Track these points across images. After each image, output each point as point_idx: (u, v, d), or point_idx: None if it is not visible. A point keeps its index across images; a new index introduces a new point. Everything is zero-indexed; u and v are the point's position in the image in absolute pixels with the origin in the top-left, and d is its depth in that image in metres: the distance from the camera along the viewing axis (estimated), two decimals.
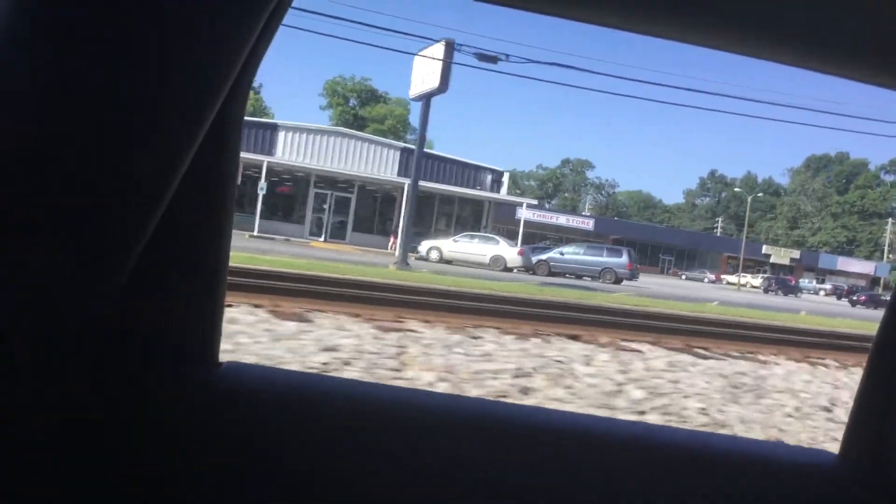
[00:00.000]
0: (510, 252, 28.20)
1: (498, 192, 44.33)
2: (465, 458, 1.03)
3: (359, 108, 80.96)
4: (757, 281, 58.74)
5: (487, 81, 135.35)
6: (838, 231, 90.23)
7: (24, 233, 0.79)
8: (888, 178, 69.99)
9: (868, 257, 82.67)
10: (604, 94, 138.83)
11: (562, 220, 62.18)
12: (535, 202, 55.78)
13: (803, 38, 0.86)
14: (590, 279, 28.15)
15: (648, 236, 68.11)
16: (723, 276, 61.92)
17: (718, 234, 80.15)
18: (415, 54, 24.25)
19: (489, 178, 44.34)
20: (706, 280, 60.75)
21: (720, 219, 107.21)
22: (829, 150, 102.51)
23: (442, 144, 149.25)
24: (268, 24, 0.90)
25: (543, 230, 59.48)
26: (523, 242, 58.70)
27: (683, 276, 61.93)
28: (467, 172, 43.73)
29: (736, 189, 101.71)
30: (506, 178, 45.76)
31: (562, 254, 30.52)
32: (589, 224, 62.77)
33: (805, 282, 64.72)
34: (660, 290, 27.22)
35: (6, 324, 0.80)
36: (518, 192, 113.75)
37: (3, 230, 0.77)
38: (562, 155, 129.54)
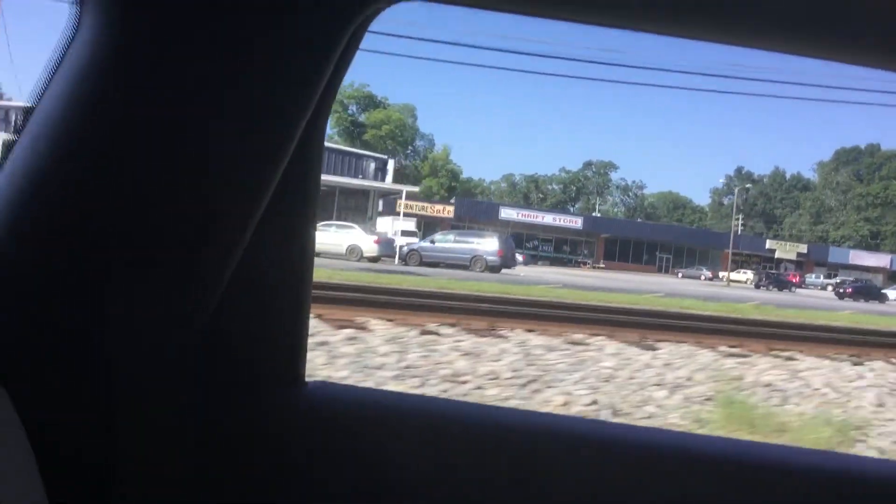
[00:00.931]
0: (367, 241, 27.41)
1: (383, 180, 43.45)
2: (549, 471, 1.04)
3: (358, 115, 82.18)
4: (745, 276, 57.19)
5: (511, 86, 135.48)
6: (861, 224, 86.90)
7: (129, 266, 0.85)
8: None
9: (894, 251, 79.42)
10: (627, 90, 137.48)
11: (548, 218, 61.42)
12: (415, 189, 53.01)
13: (809, 27, 0.85)
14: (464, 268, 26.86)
15: (646, 234, 66.89)
16: (722, 274, 60.38)
17: (718, 231, 77.89)
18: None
19: (372, 166, 43.96)
20: (703, 277, 59.35)
21: (740, 217, 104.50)
22: (859, 143, 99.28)
23: (458, 154, 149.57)
24: (348, 46, 0.96)
25: (531, 230, 59.13)
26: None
27: (680, 275, 60.63)
28: (348, 161, 43.62)
29: (748, 186, 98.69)
30: (390, 166, 45.02)
31: (432, 242, 29.02)
32: (577, 223, 61.96)
33: (813, 277, 62.60)
34: (596, 281, 26.44)
35: (111, 349, 0.86)
36: (541, 196, 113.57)
37: (109, 265, 0.84)
38: (584, 157, 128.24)
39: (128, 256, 0.85)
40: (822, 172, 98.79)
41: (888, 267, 68.87)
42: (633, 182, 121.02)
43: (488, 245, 28.10)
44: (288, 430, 1.06)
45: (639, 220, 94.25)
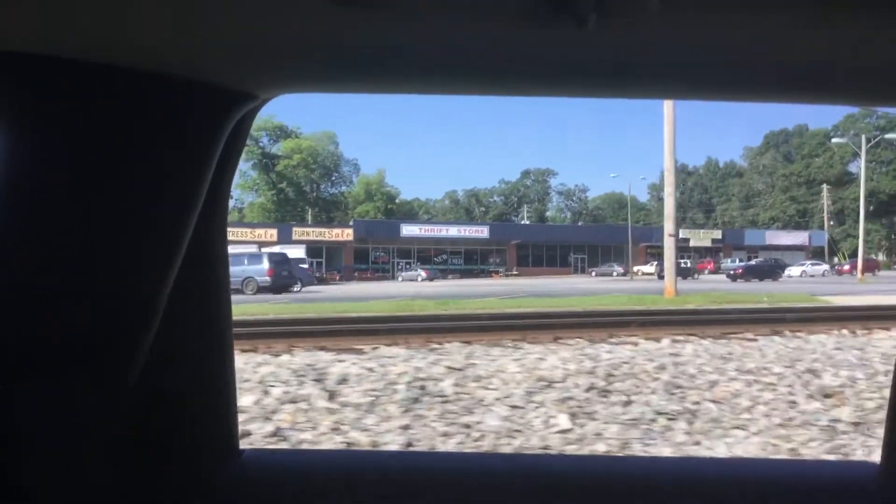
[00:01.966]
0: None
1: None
2: None
3: (270, 147, 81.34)
4: (652, 268, 56.78)
5: (444, 104, 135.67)
6: (787, 204, 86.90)
7: (40, 361, 0.90)
8: (839, 142, 66.57)
9: (822, 227, 79.48)
10: (559, 100, 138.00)
11: (453, 231, 60.78)
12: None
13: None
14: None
15: (557, 237, 66.32)
16: (637, 268, 59.93)
17: (636, 225, 77.63)
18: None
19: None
20: (615, 274, 58.90)
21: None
22: (787, 125, 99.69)
23: (398, 176, 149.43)
24: (234, 136, 1.07)
25: (438, 244, 58.39)
26: (420, 261, 57.77)
27: (593, 273, 60.15)
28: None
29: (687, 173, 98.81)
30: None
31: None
32: (484, 232, 61.32)
33: (728, 261, 62.29)
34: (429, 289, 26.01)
35: (29, 420, 0.89)
36: (483, 209, 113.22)
37: (26, 331, 0.90)
38: (523, 167, 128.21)
39: (49, 345, 0.92)
40: (749, 157, 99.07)
41: (807, 244, 68.79)
42: (576, 186, 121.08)
43: (259, 266, 27.45)
44: (225, 501, 1.06)
45: (580, 223, 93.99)
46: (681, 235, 67.54)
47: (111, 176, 0.94)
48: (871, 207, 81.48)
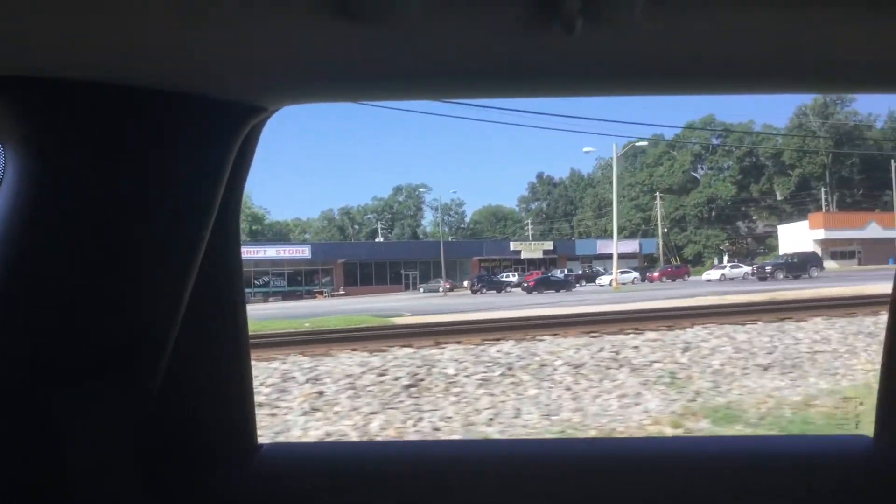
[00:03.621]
0: None
1: None
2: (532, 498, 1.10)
3: None
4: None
5: (321, 121, 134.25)
6: (633, 213, 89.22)
7: (71, 375, 0.96)
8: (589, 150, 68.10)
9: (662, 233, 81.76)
10: (429, 116, 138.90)
11: (272, 252, 59.33)
12: None
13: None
14: None
15: (383, 254, 65.76)
16: (466, 282, 59.79)
17: (460, 241, 78.08)
18: None
19: None
20: (441, 290, 58.69)
21: (529, 221, 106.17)
22: (644, 135, 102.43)
23: (267, 197, 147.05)
24: (244, 147, 1.11)
25: (258, 266, 56.81)
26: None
27: (421, 290, 59.75)
28: None
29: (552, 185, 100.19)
30: None
31: None
32: (305, 252, 60.12)
33: (557, 272, 63.04)
34: None
35: (66, 427, 0.95)
36: (356, 227, 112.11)
37: (60, 342, 0.95)
38: (395, 183, 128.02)
39: (79, 358, 0.98)
40: (602, 167, 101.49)
41: (637, 251, 70.45)
42: (452, 200, 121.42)
43: None
44: (247, 497, 1.10)
45: (428, 240, 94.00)
46: (511, 248, 68.27)
47: (130, 192, 0.99)
48: (713, 213, 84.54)
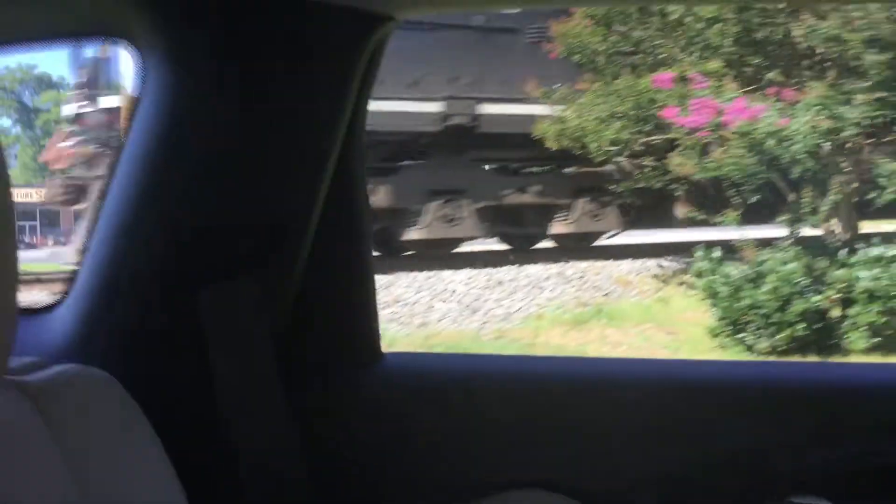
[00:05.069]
0: None
1: None
2: (661, 417, 1.06)
3: (34, 100, 75.47)
4: None
5: None
6: None
7: (221, 267, 1.01)
8: None
9: None
10: None
11: None
12: None
13: None
14: None
15: None
16: None
17: None
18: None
19: None
20: None
21: None
22: None
23: None
24: (370, 64, 1.09)
25: None
26: None
27: None
28: None
29: None
30: None
31: None
32: None
33: None
34: None
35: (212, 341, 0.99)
36: None
37: (204, 269, 1.00)
38: None
39: (219, 259, 1.02)
40: None
41: None
42: None
43: None
44: (375, 402, 1.13)
45: None
46: None
47: (261, 102, 1.01)
48: None
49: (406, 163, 8.31)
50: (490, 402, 1.14)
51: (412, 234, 8.13)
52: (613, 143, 6.56)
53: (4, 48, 1.18)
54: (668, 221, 8.53)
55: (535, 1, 1.58)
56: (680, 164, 6.17)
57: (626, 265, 7.96)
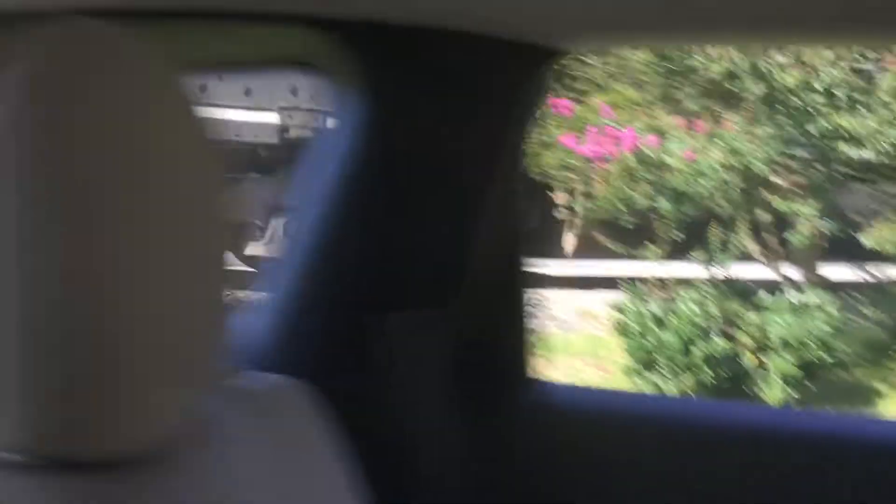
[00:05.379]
0: None
1: None
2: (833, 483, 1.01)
3: None
4: None
5: None
6: None
7: (399, 302, 1.06)
8: None
9: None
10: None
11: None
12: None
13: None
14: None
15: None
16: None
17: None
18: None
19: None
20: None
21: None
22: None
23: None
24: (538, 94, 1.13)
25: None
26: None
27: None
28: None
29: None
30: None
31: None
32: None
33: None
34: None
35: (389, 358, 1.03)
36: None
37: (382, 289, 1.06)
38: None
39: (404, 287, 1.08)
40: None
41: None
42: None
43: None
44: (523, 429, 1.14)
45: None
46: None
47: (454, 139, 1.04)
48: None
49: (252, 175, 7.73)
50: (645, 446, 1.11)
51: (257, 250, 7.42)
52: None
53: (215, 71, 1.34)
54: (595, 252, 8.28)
55: (746, 38, 1.55)
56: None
57: (593, 295, 7.82)
